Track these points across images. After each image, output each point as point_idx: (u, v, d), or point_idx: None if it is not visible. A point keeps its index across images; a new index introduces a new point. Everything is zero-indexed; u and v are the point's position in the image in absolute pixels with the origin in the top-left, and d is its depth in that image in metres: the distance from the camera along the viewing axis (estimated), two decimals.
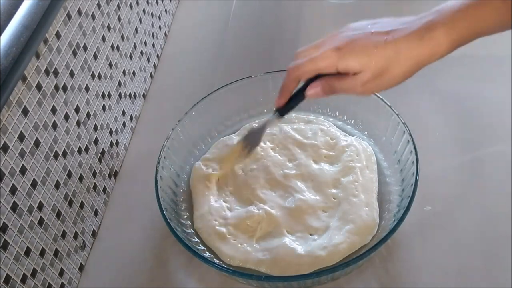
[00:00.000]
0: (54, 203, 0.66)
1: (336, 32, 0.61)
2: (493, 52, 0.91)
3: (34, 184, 0.62)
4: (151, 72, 0.98)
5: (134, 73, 0.90)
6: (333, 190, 0.73)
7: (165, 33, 1.05)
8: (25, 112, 0.60)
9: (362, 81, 0.57)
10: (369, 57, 0.56)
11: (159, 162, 0.72)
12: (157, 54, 1.01)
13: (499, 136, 0.78)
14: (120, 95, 0.85)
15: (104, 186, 0.79)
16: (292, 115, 0.83)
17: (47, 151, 0.64)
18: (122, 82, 0.85)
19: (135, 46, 0.90)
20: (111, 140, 0.82)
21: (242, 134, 0.81)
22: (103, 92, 0.79)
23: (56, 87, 0.67)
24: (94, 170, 0.76)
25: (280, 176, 0.75)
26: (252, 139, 0.74)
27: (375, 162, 0.75)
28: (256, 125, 0.81)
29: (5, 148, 0.57)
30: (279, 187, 0.74)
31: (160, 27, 1.02)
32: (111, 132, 0.81)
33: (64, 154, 0.68)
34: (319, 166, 0.76)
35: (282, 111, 0.66)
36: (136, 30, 0.91)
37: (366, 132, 0.79)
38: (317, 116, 0.82)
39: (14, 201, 0.58)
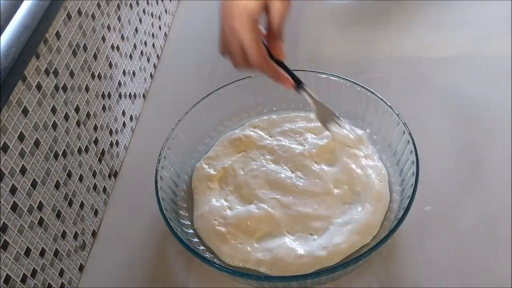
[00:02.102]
0: (54, 203, 0.66)
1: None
2: (493, 52, 0.91)
3: (34, 184, 0.62)
4: (151, 72, 0.98)
5: (134, 73, 0.90)
6: (334, 190, 0.73)
7: (165, 33, 1.05)
8: (25, 112, 0.60)
9: None
10: None
11: (159, 162, 0.72)
12: (157, 54, 1.01)
13: (499, 136, 0.78)
14: (120, 95, 0.85)
15: (104, 186, 0.79)
16: (293, 114, 0.83)
17: (47, 151, 0.64)
18: (122, 82, 0.85)
19: (135, 46, 0.90)
20: (111, 140, 0.82)
21: (245, 129, 0.81)
22: (103, 92, 0.79)
23: (56, 87, 0.67)
24: (94, 170, 0.76)
25: (280, 176, 0.75)
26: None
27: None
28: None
29: (5, 148, 0.57)
30: (279, 187, 0.74)
31: (160, 27, 1.02)
32: (111, 132, 0.81)
33: (64, 154, 0.68)
34: (320, 166, 0.76)
35: (297, 82, 0.69)
36: (136, 30, 0.91)
37: (367, 132, 0.79)
38: None
39: (14, 201, 0.58)
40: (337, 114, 0.74)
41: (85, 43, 0.74)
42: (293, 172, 0.75)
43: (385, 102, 0.74)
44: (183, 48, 1.04)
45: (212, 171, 0.77)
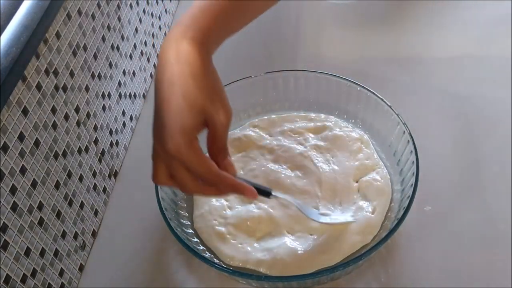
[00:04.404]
0: (54, 203, 0.66)
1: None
2: (493, 52, 0.91)
3: (34, 184, 0.62)
4: (151, 72, 0.98)
5: (134, 73, 0.90)
6: (334, 190, 0.73)
7: (165, 33, 1.05)
8: (25, 112, 0.60)
9: (215, 114, 0.52)
10: (189, 105, 0.51)
11: None
12: (157, 54, 1.01)
13: (499, 136, 0.78)
14: (120, 95, 0.85)
15: (104, 186, 0.79)
16: (293, 114, 0.83)
17: (47, 151, 0.64)
18: (122, 82, 0.85)
19: (135, 46, 0.90)
20: (111, 140, 0.82)
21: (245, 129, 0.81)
22: (103, 92, 0.79)
23: (56, 87, 0.67)
24: (94, 170, 0.76)
25: (280, 176, 0.75)
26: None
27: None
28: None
29: (5, 148, 0.57)
30: (279, 186, 0.74)
31: (160, 27, 1.02)
32: (111, 132, 0.81)
33: (64, 154, 0.68)
34: (320, 165, 0.76)
35: (264, 192, 0.61)
36: (136, 30, 0.91)
37: (366, 132, 0.79)
38: (318, 115, 0.82)
39: (14, 201, 0.58)
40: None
41: (85, 43, 0.74)
42: (293, 171, 0.75)
43: (385, 102, 0.74)
44: None
45: None
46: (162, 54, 0.53)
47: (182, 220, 0.72)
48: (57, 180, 0.67)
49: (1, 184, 0.56)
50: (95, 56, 0.76)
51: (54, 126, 0.66)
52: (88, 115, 0.74)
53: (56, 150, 0.66)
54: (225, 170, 0.55)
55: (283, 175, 0.75)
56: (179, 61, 0.52)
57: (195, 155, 0.51)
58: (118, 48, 0.84)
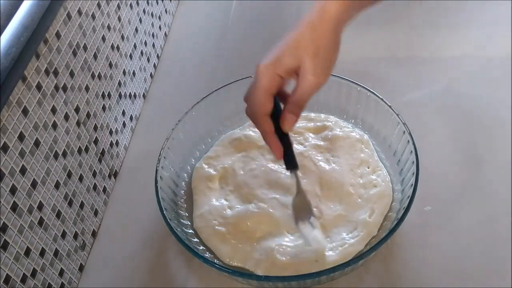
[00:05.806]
0: (54, 203, 0.66)
1: None
2: (493, 52, 0.91)
3: (34, 184, 0.62)
4: (151, 72, 0.98)
5: (134, 73, 0.90)
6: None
7: (165, 33, 1.05)
8: (25, 112, 0.60)
9: (309, 70, 0.57)
10: (295, 47, 0.57)
11: (159, 162, 0.72)
12: (157, 54, 1.01)
13: (499, 136, 0.78)
14: (120, 95, 0.85)
15: (104, 186, 0.79)
16: None
17: (47, 151, 0.64)
18: (122, 82, 0.85)
19: (135, 46, 0.90)
20: (111, 140, 0.82)
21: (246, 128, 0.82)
22: (103, 92, 0.79)
23: (56, 87, 0.67)
24: (94, 170, 0.76)
25: (280, 176, 0.75)
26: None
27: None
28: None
29: (5, 148, 0.57)
30: (279, 186, 0.74)
31: (160, 27, 1.02)
32: (111, 132, 0.81)
33: (64, 154, 0.68)
34: (320, 166, 0.76)
35: (288, 163, 0.65)
36: (136, 30, 0.91)
37: (366, 132, 0.79)
38: (318, 115, 0.82)
39: (14, 201, 0.58)
40: (313, 213, 0.67)
41: (85, 43, 0.74)
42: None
43: (385, 102, 0.74)
44: (183, 48, 1.04)
45: (212, 171, 0.77)
46: (314, 6, 0.59)
47: (182, 220, 0.72)
48: (57, 180, 0.67)
49: (1, 184, 0.56)
50: (95, 56, 0.76)
51: (54, 126, 0.66)
52: (88, 115, 0.75)
53: (56, 150, 0.66)
54: (281, 120, 0.61)
55: (283, 175, 0.75)
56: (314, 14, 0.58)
57: (262, 82, 0.58)
58: (118, 48, 0.84)
